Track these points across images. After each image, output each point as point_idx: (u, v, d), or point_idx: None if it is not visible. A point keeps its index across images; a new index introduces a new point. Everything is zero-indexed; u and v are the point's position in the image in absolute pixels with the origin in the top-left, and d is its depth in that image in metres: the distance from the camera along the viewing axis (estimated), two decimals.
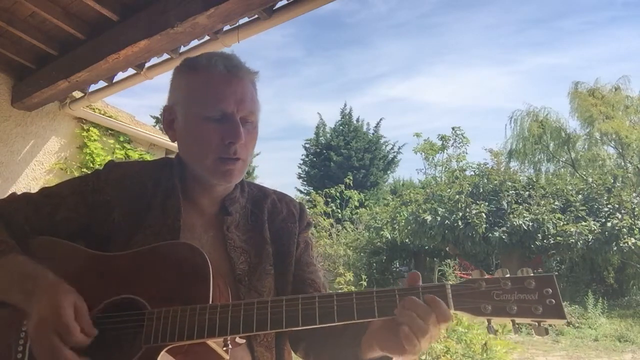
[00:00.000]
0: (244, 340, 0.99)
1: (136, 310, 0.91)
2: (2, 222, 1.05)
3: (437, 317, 0.81)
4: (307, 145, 24.91)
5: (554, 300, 0.78)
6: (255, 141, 1.11)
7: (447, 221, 11.73)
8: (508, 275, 0.82)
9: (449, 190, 12.81)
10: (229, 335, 0.87)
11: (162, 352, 0.87)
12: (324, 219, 11.89)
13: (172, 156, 1.21)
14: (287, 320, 0.85)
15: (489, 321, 0.82)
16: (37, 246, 1.03)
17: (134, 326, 0.90)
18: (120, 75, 3.74)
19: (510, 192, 12.12)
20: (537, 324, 0.79)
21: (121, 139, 5.31)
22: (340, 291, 1.02)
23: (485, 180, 12.65)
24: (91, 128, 5.00)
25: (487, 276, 0.83)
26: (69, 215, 1.07)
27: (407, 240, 13.62)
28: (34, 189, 2.00)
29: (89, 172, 1.21)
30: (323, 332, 0.95)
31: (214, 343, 0.89)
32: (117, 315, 0.91)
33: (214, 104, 1.03)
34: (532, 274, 0.82)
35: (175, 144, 1.14)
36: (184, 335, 0.86)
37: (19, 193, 1.15)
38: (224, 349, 0.90)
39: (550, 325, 0.82)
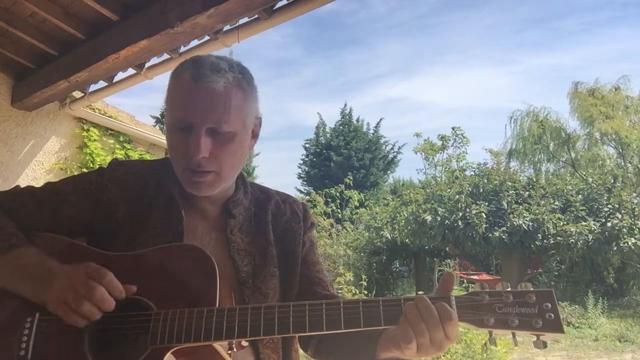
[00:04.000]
0: (247, 343, 1.00)
1: (141, 310, 0.91)
2: (8, 216, 1.04)
3: (441, 316, 0.83)
4: (307, 145, 24.89)
5: (553, 315, 0.82)
6: (234, 152, 1.03)
7: (447, 221, 11.70)
8: (510, 289, 0.85)
9: (449, 190, 12.78)
10: (235, 339, 0.87)
11: (168, 354, 0.87)
12: (324, 219, 11.88)
13: None
14: (294, 326, 0.86)
15: (490, 333, 0.85)
16: (41, 243, 1.03)
17: (139, 327, 0.90)
18: (120, 75, 3.75)
19: (510, 192, 12.10)
20: (536, 337, 0.82)
21: (121, 139, 5.31)
22: (347, 299, 1.06)
23: (485, 180, 12.63)
24: (91, 128, 4.99)
25: (489, 289, 0.86)
26: (72, 212, 1.07)
27: (407, 240, 13.58)
28: None
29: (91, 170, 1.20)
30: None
31: (219, 345, 0.90)
32: (122, 315, 0.91)
33: (177, 114, 1.01)
34: (532, 289, 0.85)
35: None
36: (191, 337, 0.86)
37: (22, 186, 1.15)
38: (229, 352, 0.90)
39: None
